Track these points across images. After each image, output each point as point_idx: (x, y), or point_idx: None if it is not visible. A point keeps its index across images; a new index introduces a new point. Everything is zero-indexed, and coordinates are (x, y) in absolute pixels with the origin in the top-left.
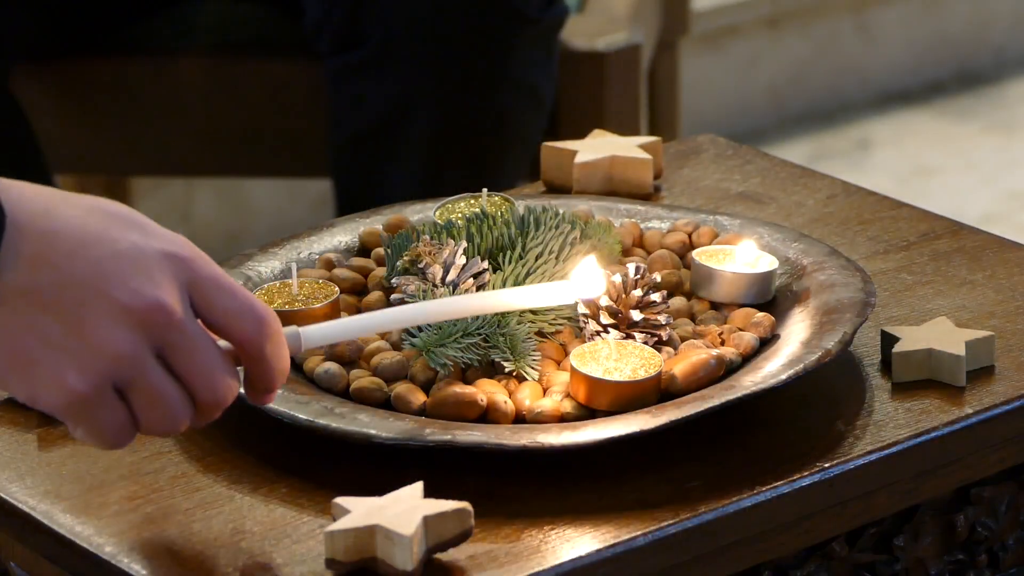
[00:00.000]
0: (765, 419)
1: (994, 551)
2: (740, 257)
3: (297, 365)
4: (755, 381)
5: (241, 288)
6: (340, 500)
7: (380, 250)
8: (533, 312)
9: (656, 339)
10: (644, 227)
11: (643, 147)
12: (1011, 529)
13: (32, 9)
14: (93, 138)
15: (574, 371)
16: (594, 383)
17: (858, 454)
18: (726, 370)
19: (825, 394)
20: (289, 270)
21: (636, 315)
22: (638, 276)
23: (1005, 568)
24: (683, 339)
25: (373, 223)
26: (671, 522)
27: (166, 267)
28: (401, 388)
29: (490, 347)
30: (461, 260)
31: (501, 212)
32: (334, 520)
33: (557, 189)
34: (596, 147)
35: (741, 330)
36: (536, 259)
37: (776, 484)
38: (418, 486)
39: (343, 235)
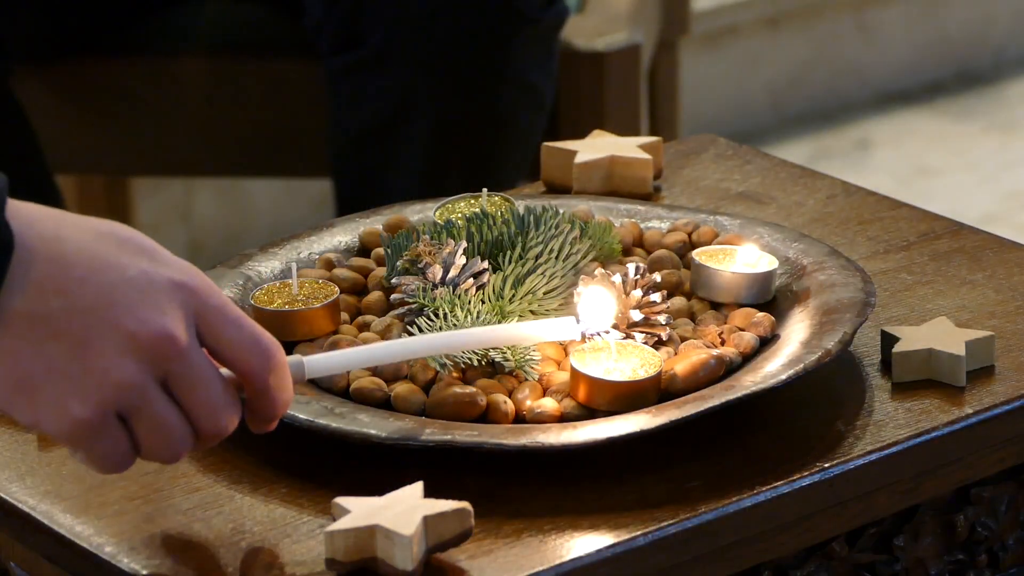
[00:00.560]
0: (765, 419)
1: (994, 551)
2: (740, 257)
3: None
4: (755, 381)
5: (247, 319)
6: (340, 500)
7: (380, 250)
8: (533, 312)
9: (656, 339)
10: (644, 227)
11: (643, 147)
12: (1011, 529)
13: (33, 10)
14: (93, 138)
15: (574, 371)
16: (594, 383)
17: (858, 454)
18: (726, 370)
19: (825, 394)
20: (289, 270)
21: (636, 315)
22: (638, 276)
23: (1005, 568)
24: (683, 339)
25: (373, 223)
26: (671, 522)
27: (174, 296)
28: (401, 388)
29: (490, 347)
30: (461, 260)
31: (501, 212)
32: (334, 520)
33: (557, 189)
34: (596, 147)
35: (741, 330)
36: (536, 259)
37: (776, 484)
38: (418, 486)
39: (343, 235)
